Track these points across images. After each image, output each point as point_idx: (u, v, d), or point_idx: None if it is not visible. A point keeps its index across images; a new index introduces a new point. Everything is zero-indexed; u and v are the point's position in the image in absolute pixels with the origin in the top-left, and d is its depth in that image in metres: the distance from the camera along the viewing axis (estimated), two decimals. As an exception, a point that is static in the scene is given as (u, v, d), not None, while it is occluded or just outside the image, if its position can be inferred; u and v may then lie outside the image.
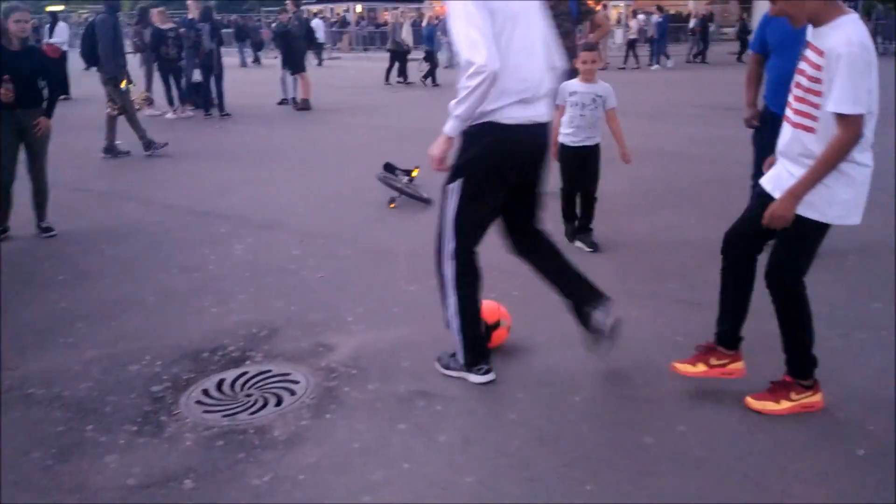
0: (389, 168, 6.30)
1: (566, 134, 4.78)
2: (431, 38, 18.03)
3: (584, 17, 5.99)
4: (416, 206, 6.01)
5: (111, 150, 8.52)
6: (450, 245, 3.08)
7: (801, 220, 2.60)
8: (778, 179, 2.72)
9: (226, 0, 61.42)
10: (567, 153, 4.81)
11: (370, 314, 3.87)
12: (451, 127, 2.87)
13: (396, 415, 2.89)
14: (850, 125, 2.43)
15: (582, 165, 4.82)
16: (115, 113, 8.41)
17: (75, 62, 13.17)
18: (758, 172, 4.47)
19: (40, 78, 5.30)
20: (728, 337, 2.97)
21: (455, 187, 3.03)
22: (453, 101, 2.83)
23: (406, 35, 18.00)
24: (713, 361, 2.96)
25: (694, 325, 3.57)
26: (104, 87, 8.46)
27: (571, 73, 5.67)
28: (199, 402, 3.04)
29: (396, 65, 17.02)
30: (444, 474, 2.50)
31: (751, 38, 4.91)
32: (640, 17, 22.55)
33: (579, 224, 4.89)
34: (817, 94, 2.51)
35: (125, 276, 4.54)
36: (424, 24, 20.55)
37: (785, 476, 2.41)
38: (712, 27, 26.70)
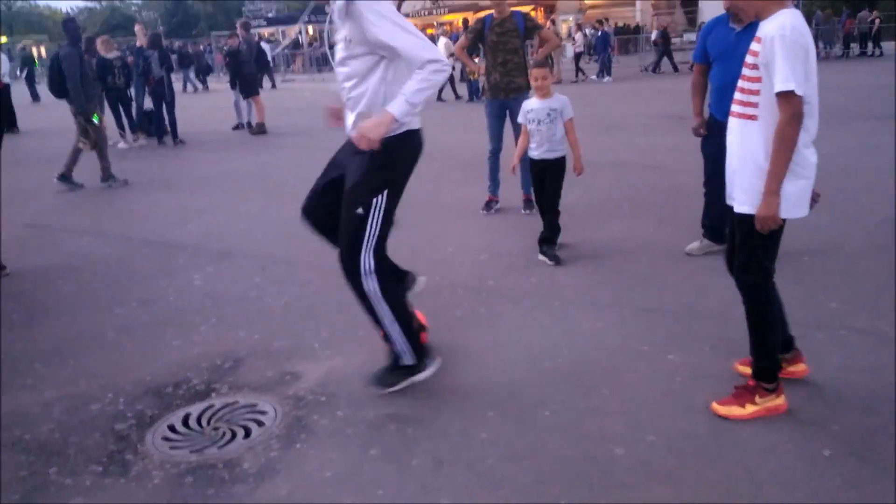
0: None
1: (530, 148, 4.94)
2: None
3: (531, 33, 6.10)
4: (377, 226, 6.00)
5: (66, 179, 8.33)
6: (369, 262, 3.06)
7: (743, 217, 2.70)
8: (730, 185, 2.81)
9: (175, 26, 61.00)
10: (531, 165, 5.00)
11: (336, 339, 3.85)
12: (401, 111, 2.86)
13: (367, 441, 2.87)
14: (791, 106, 2.52)
15: (542, 176, 4.93)
16: (88, 148, 8.25)
17: (18, 95, 12.89)
18: (709, 179, 4.62)
19: None
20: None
21: (380, 201, 3.05)
22: (411, 89, 2.84)
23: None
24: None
25: (658, 333, 3.64)
26: (75, 120, 8.28)
27: (526, 88, 5.80)
28: (165, 439, 2.98)
29: None
30: (419, 498, 2.50)
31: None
32: (587, 30, 23.02)
33: (542, 236, 4.95)
34: (756, 80, 2.63)
35: (83, 313, 4.43)
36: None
37: (755, 480, 2.46)
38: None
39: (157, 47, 11.65)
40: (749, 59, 2.66)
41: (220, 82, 24.96)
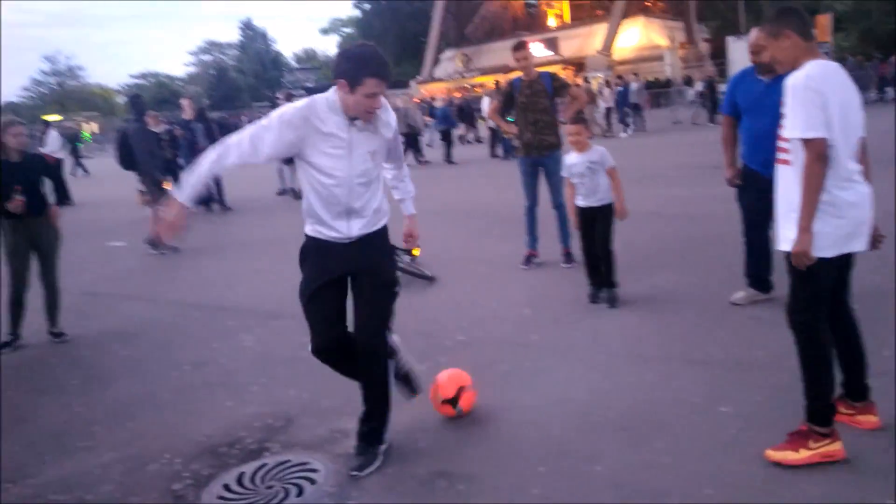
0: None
1: (577, 198, 5.13)
2: (447, 117, 18.72)
3: (560, 92, 6.26)
4: (419, 284, 6.10)
5: (155, 245, 8.64)
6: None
7: (788, 257, 2.80)
8: (777, 228, 2.92)
9: (218, 99, 63.47)
10: (579, 213, 5.14)
11: (384, 397, 3.88)
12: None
13: (418, 497, 2.88)
14: (812, 149, 2.68)
15: (592, 224, 5.06)
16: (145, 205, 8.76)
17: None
18: (748, 229, 4.62)
19: (43, 183, 5.47)
20: (851, 389, 3.07)
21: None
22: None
23: (417, 118, 18.73)
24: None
25: (708, 385, 3.61)
26: (142, 187, 8.83)
27: (557, 145, 5.97)
28: (220, 497, 3.03)
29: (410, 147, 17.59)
30: (473, 555, 2.49)
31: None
32: (616, 87, 23.24)
33: (602, 280, 5.10)
34: (783, 127, 2.83)
35: (138, 376, 4.57)
36: (439, 104, 21.50)
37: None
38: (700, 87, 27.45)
39: (202, 120, 12.18)
40: (783, 109, 2.82)
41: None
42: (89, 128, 44.99)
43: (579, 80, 25.78)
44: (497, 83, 22.54)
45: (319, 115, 2.98)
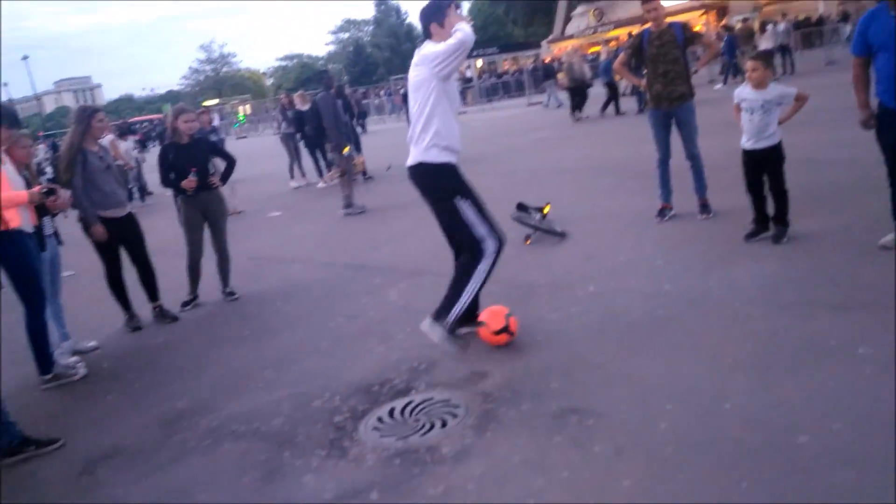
0: (522, 207, 6.60)
1: (743, 140, 5.18)
2: (608, 70, 18.00)
3: (691, 42, 6.10)
4: (551, 240, 6.25)
5: (350, 207, 9.53)
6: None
7: None
8: None
9: (357, 75, 65.56)
10: (744, 157, 5.19)
11: (518, 343, 4.13)
12: None
13: (551, 430, 3.11)
14: None
15: (759, 167, 5.10)
16: (339, 175, 9.71)
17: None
18: (893, 169, 4.37)
19: (214, 159, 6.14)
20: None
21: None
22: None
23: (584, 70, 18.53)
24: None
25: (848, 329, 3.55)
26: (330, 154, 9.84)
27: (689, 96, 5.89)
28: (375, 429, 3.42)
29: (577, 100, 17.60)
30: (601, 480, 2.69)
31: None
32: (769, 27, 21.63)
33: (768, 217, 5.20)
34: None
35: (300, 327, 5.12)
36: (603, 57, 21.37)
37: (951, 465, 2.39)
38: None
39: (340, 96, 12.86)
40: None
41: (398, 120, 26.63)
42: (243, 109, 48.29)
43: (704, 30, 23.99)
44: (631, 35, 21.79)
45: None
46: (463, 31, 3.69)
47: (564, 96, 19.80)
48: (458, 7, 4.00)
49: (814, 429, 2.74)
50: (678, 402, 3.15)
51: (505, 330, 4.09)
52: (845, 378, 3.08)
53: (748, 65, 5.17)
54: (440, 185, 3.99)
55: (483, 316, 4.13)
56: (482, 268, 3.89)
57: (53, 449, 3.74)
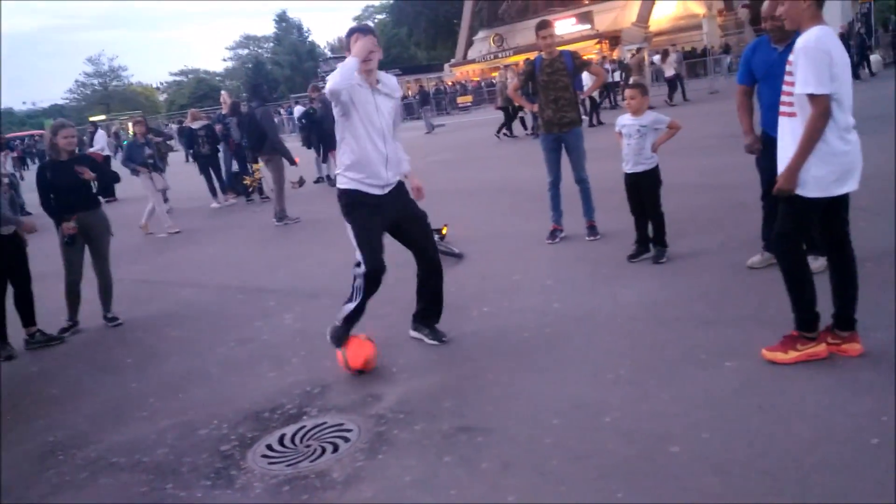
0: (421, 229, 6.66)
1: (623, 163, 5.51)
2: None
3: (580, 70, 6.42)
4: (448, 261, 6.33)
5: (283, 218, 9.54)
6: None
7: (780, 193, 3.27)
8: (780, 166, 3.33)
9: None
10: (625, 179, 5.53)
11: (412, 364, 4.16)
12: None
13: (442, 449, 3.14)
14: (818, 104, 3.10)
15: (637, 190, 5.43)
16: (297, 187, 9.90)
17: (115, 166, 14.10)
18: (766, 194, 4.73)
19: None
20: (840, 320, 3.44)
21: None
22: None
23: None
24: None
25: (718, 343, 3.79)
26: (266, 167, 9.91)
27: (577, 122, 6.17)
28: (264, 456, 3.35)
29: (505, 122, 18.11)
30: (488, 496, 2.75)
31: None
32: (672, 55, 22.69)
33: (647, 239, 5.49)
34: (791, 84, 3.26)
35: (188, 353, 4.94)
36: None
37: (802, 468, 2.60)
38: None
39: (235, 114, 12.59)
40: (787, 67, 3.30)
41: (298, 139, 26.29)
42: (130, 127, 46.26)
43: (595, 59, 25.39)
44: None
45: None
46: (330, 78, 3.91)
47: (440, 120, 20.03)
48: (363, 35, 4.04)
49: (685, 438, 2.91)
50: (564, 416, 3.26)
51: (360, 370, 4.13)
52: (715, 391, 3.28)
53: (627, 93, 5.54)
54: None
55: (353, 343, 4.18)
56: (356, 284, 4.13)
57: None
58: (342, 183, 4.12)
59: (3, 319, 5.38)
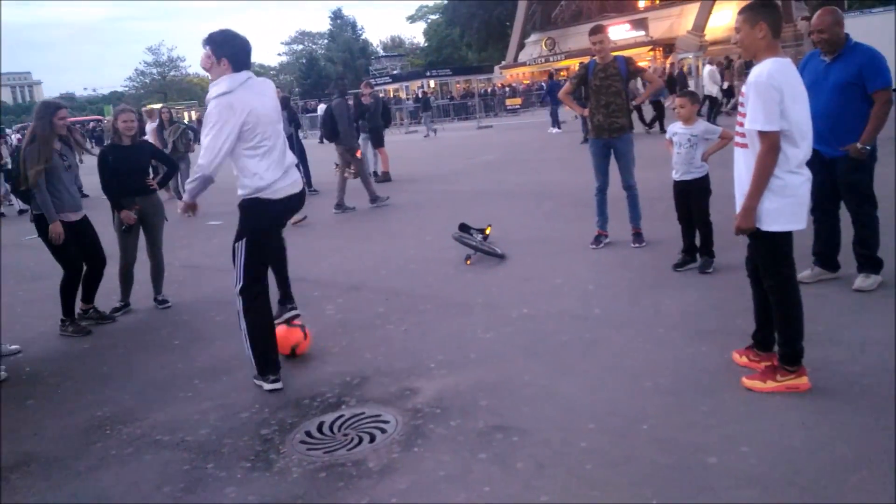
0: (464, 227, 6.71)
1: (673, 171, 5.50)
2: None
3: (634, 76, 6.37)
4: (490, 261, 6.36)
5: (341, 207, 10.16)
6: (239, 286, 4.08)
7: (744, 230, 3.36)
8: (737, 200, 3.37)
9: (309, 87, 65.29)
10: (674, 187, 5.53)
11: (450, 360, 4.20)
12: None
13: (476, 447, 3.17)
14: (766, 140, 3.12)
15: (686, 197, 5.43)
16: (353, 177, 10.42)
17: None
18: (814, 208, 4.64)
19: (153, 165, 6.05)
20: (759, 341, 3.61)
21: (240, 246, 4.08)
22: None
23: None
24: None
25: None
26: (342, 157, 10.41)
27: (628, 128, 6.13)
28: (302, 442, 3.42)
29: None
30: (521, 495, 2.76)
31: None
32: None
33: (694, 249, 5.47)
34: (743, 115, 3.24)
35: (232, 338, 5.02)
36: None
37: (841, 489, 2.55)
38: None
39: (285, 108, 12.78)
40: (742, 99, 3.27)
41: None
42: (189, 116, 47.43)
43: (647, 65, 24.96)
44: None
45: None
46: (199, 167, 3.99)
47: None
48: (213, 53, 4.03)
49: (722, 450, 2.88)
50: (599, 421, 3.26)
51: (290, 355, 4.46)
52: (756, 404, 3.24)
53: (677, 101, 5.52)
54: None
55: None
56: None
57: None
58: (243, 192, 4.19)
59: (73, 299, 5.58)
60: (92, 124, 46.09)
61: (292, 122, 12.69)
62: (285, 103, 12.94)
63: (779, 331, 3.39)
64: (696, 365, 3.74)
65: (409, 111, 35.07)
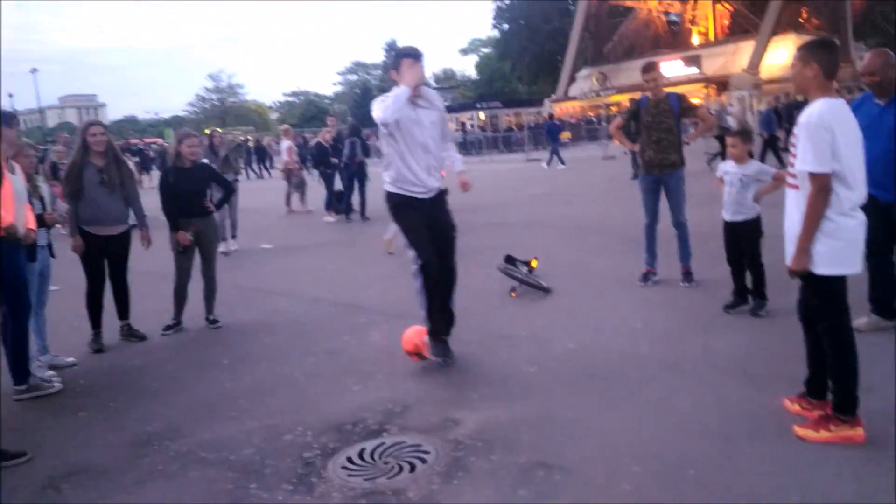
0: (510, 260, 6.71)
1: (723, 210, 5.40)
2: (769, 121, 17.65)
3: (686, 114, 6.33)
4: (535, 294, 6.34)
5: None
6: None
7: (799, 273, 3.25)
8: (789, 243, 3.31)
9: (362, 117, 66.45)
10: (724, 227, 5.43)
11: (493, 393, 4.18)
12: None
13: (518, 483, 3.14)
14: (816, 181, 3.08)
15: (736, 239, 5.32)
16: None
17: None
18: (870, 254, 4.48)
19: (210, 188, 6.24)
20: (812, 388, 3.51)
21: None
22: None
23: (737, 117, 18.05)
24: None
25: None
26: None
27: (679, 164, 6.08)
28: (344, 468, 3.44)
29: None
30: (562, 534, 2.72)
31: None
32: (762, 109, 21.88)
33: (746, 290, 5.35)
34: (794, 155, 3.21)
35: (279, 360, 5.14)
36: (762, 107, 20.80)
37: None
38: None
39: (357, 135, 13.05)
40: (793, 139, 3.22)
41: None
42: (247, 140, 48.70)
43: (700, 102, 24.61)
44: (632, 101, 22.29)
45: None
46: (380, 107, 4.32)
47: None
48: (415, 62, 4.40)
49: (773, 501, 2.79)
50: (644, 464, 3.19)
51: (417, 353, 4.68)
52: (806, 454, 3.14)
53: (728, 140, 5.45)
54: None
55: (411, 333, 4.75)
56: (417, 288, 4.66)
57: (18, 463, 3.72)
58: (389, 188, 4.62)
59: (100, 312, 5.76)
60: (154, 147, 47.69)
61: (363, 149, 12.96)
62: (356, 131, 13.23)
63: (833, 378, 3.29)
64: (746, 410, 3.65)
65: (456, 142, 35.41)
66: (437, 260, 4.57)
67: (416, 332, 4.72)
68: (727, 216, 5.34)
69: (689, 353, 4.58)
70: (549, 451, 3.39)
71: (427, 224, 4.60)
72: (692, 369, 4.29)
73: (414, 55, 4.48)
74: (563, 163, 22.25)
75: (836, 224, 3.12)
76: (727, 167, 5.36)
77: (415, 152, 4.50)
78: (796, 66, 3.25)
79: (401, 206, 4.64)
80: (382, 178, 4.70)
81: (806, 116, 3.12)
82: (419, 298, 4.70)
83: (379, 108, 4.32)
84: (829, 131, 3.04)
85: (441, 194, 4.68)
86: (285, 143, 15.17)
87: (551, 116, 27.39)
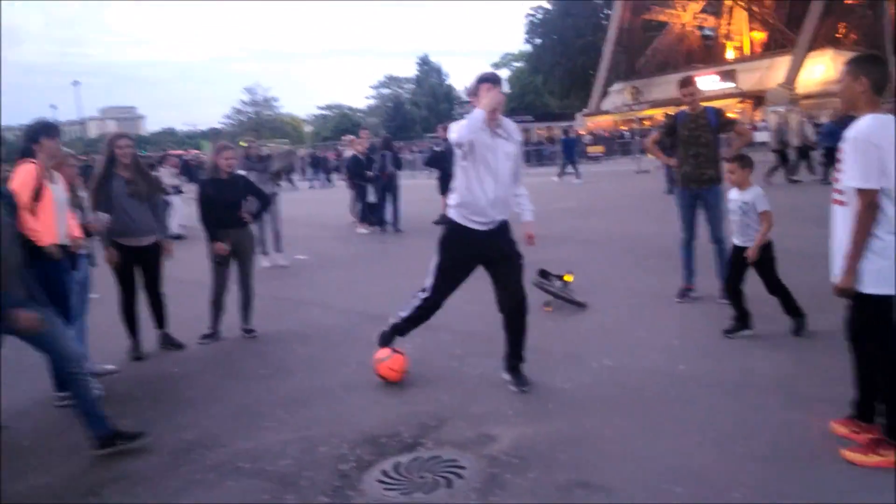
0: (544, 273, 6.66)
1: (734, 235, 5.26)
2: (834, 134, 17.54)
3: (724, 128, 6.24)
4: (570, 309, 6.28)
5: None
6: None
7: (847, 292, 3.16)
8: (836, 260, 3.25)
9: (394, 130, 67.11)
10: (732, 250, 5.31)
11: (528, 409, 4.14)
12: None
13: (557, 502, 3.09)
14: (863, 198, 3.03)
15: (742, 262, 5.14)
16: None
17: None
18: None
19: (246, 199, 6.31)
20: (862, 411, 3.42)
21: None
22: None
23: (799, 132, 17.50)
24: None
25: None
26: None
27: (717, 179, 5.99)
28: (379, 481, 3.42)
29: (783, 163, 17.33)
30: (603, 556, 2.67)
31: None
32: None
33: (748, 314, 5.21)
34: (841, 171, 3.16)
35: (314, 371, 5.16)
36: (826, 120, 20.41)
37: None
38: None
39: (389, 148, 13.13)
40: (841, 155, 3.16)
41: (430, 177, 27.06)
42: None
43: (738, 117, 24.11)
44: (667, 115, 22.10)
45: None
46: (457, 128, 4.21)
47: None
48: (495, 86, 4.29)
49: (822, 526, 2.71)
50: (687, 486, 3.13)
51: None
52: (856, 480, 3.05)
53: (726, 166, 5.36)
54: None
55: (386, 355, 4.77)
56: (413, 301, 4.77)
57: (141, 444, 3.93)
58: (451, 213, 4.50)
59: (135, 321, 5.85)
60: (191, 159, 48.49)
61: (394, 162, 13.04)
62: (388, 144, 13.32)
63: (884, 401, 3.20)
64: (792, 432, 3.56)
65: None
66: (507, 296, 4.57)
67: (384, 361, 4.76)
68: (737, 241, 5.20)
69: (730, 371, 4.49)
70: (587, 471, 3.34)
71: (487, 257, 4.53)
72: (733, 388, 4.21)
73: (493, 80, 4.37)
74: (578, 177, 22.18)
75: (885, 242, 3.05)
76: (731, 195, 5.24)
77: (484, 180, 4.31)
78: (845, 80, 3.20)
79: (452, 239, 4.52)
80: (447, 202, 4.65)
81: (854, 132, 3.07)
82: (399, 314, 4.90)
83: (455, 129, 4.24)
84: (877, 147, 2.99)
85: (504, 224, 4.50)
86: (349, 152, 14.95)
87: (566, 132, 27.67)
